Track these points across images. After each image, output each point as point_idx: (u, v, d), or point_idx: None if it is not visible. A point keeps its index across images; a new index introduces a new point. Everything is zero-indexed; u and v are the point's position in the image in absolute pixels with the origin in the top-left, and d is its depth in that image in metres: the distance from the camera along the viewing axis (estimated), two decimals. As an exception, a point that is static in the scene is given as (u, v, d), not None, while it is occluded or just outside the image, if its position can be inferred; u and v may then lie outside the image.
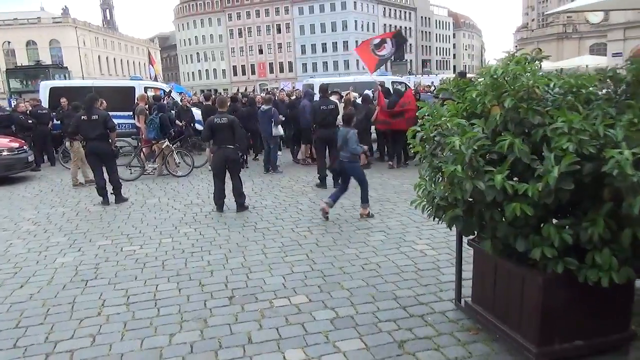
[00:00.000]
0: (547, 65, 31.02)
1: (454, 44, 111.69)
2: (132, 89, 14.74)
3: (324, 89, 9.46)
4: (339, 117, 9.25)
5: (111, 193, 8.55)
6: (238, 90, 41.08)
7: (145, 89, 15.31)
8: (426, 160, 3.48)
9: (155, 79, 18.45)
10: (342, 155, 6.68)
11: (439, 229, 6.20)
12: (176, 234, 6.58)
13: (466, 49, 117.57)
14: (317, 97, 13.33)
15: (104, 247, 6.15)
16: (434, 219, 3.51)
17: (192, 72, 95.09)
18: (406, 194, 8.38)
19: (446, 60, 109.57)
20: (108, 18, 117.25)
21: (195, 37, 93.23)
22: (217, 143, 7.21)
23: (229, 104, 7.82)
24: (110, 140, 8.09)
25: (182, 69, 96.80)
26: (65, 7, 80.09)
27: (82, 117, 8.12)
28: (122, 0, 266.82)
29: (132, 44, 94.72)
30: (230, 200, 7.77)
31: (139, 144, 11.61)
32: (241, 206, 7.52)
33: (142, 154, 11.06)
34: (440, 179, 3.41)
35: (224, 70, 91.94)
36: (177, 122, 12.67)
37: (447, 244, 5.67)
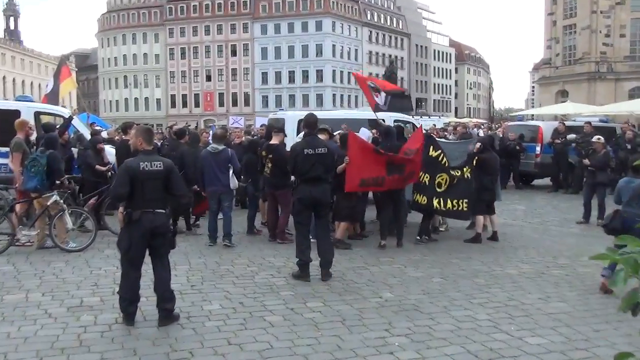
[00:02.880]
0: (580, 109, 31.10)
1: (455, 81, 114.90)
2: (17, 113, 12.90)
3: (311, 122, 8.10)
4: (340, 167, 8.99)
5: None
6: (174, 124, 39.48)
7: (37, 114, 14.04)
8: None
9: (56, 102, 16.55)
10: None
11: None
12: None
13: (471, 88, 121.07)
14: (292, 136, 12.00)
15: None
16: None
17: (117, 101, 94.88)
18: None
19: (446, 100, 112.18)
20: (11, 27, 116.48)
21: (124, 55, 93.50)
22: (137, 204, 5.80)
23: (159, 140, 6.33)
24: None
25: (102, 96, 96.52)
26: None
27: None
28: (31, 6, 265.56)
29: (40, 61, 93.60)
30: (147, 302, 6.28)
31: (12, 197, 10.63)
32: (167, 317, 6.02)
33: (14, 213, 9.64)
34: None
35: (158, 100, 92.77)
36: (98, 166, 11.66)
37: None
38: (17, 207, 9.72)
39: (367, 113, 16.84)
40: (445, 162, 10.10)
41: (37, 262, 8.64)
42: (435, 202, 9.99)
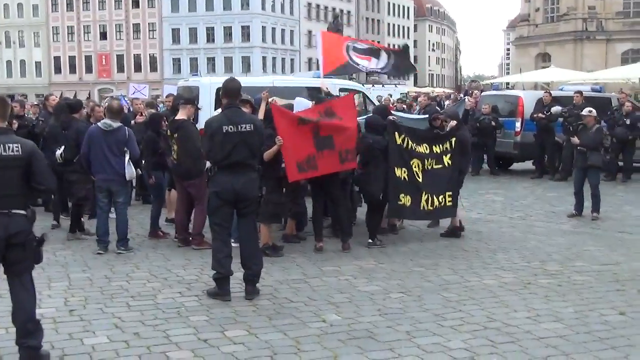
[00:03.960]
0: (566, 75, 31.75)
1: (415, 41, 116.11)
2: None
3: (232, 90, 7.86)
4: (271, 150, 9.09)
5: None
6: (50, 95, 38.33)
7: None
8: None
9: None
10: None
11: None
12: None
13: (433, 50, 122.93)
14: (209, 110, 11.86)
15: None
16: None
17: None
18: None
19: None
20: None
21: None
22: None
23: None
24: None
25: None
26: None
27: None
28: None
29: None
30: (6, 335, 6.10)
31: None
32: (31, 357, 5.64)
33: None
34: None
35: (38, 64, 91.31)
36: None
37: None
38: None
39: (305, 80, 16.56)
40: (410, 146, 10.25)
41: None
42: (423, 199, 10.26)
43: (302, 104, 11.29)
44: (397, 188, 10.08)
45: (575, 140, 12.66)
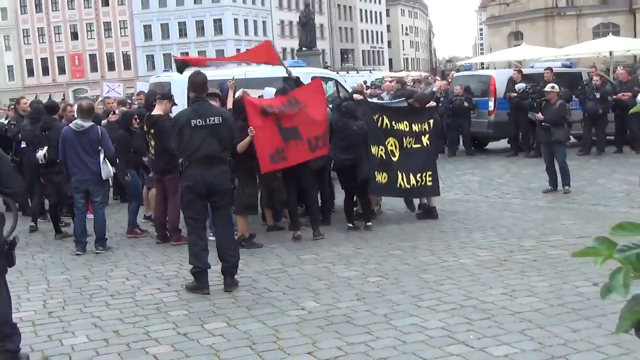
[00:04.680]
0: (538, 52, 31.81)
1: (388, 26, 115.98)
2: None
3: (198, 83, 7.87)
4: (243, 142, 9.07)
5: None
6: (21, 98, 38.03)
7: None
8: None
9: None
10: None
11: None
12: None
13: (407, 34, 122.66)
14: (183, 104, 11.96)
15: None
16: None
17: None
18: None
19: (378, 51, 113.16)
20: None
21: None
22: None
23: None
24: None
25: None
26: None
27: None
28: None
29: None
30: None
31: None
32: None
33: None
34: None
35: (10, 67, 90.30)
36: None
37: None
38: None
39: (274, 69, 16.47)
40: (386, 124, 10.32)
41: None
42: (399, 178, 10.29)
43: (271, 94, 11.27)
44: (373, 166, 10.11)
45: (539, 116, 12.70)
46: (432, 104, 11.19)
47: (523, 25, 53.58)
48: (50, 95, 62.70)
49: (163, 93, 11.06)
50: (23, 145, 12.06)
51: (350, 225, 10.23)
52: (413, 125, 10.49)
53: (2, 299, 5.59)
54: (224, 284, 7.48)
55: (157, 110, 10.09)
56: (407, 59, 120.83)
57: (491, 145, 20.72)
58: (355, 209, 10.68)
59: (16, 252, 5.68)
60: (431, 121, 10.70)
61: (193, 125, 7.46)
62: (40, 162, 10.57)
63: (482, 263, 8.08)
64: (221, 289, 7.41)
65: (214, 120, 7.54)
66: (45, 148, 10.54)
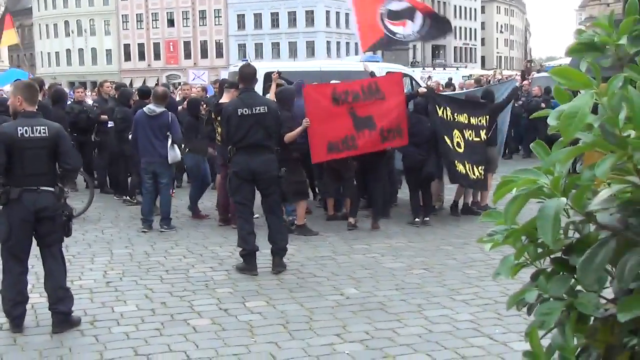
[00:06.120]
0: None
1: (482, 23, 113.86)
2: None
3: (247, 75, 8.30)
4: (294, 132, 9.23)
5: None
6: (104, 81, 39.11)
7: None
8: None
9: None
10: None
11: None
12: None
13: (501, 32, 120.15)
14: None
15: None
16: None
17: (56, 53, 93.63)
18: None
19: (471, 48, 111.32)
20: None
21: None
22: (17, 181, 5.87)
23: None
24: None
25: (39, 47, 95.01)
26: None
27: None
28: None
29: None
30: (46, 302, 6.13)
31: None
32: (63, 321, 5.98)
33: None
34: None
35: (108, 51, 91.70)
36: None
37: None
38: None
39: (351, 64, 16.59)
40: (449, 117, 10.39)
41: None
42: (467, 168, 10.36)
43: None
44: (452, 155, 10.20)
45: None
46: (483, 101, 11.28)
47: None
48: (144, 80, 64.59)
49: (231, 82, 11.38)
50: (110, 124, 12.63)
51: (417, 220, 10.36)
52: (471, 118, 10.53)
53: (58, 265, 6.04)
54: (273, 263, 7.76)
55: (224, 99, 10.37)
56: (500, 56, 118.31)
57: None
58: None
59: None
60: (487, 116, 10.74)
61: (240, 114, 7.71)
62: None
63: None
64: (269, 271, 7.70)
65: (259, 110, 7.78)
66: None
